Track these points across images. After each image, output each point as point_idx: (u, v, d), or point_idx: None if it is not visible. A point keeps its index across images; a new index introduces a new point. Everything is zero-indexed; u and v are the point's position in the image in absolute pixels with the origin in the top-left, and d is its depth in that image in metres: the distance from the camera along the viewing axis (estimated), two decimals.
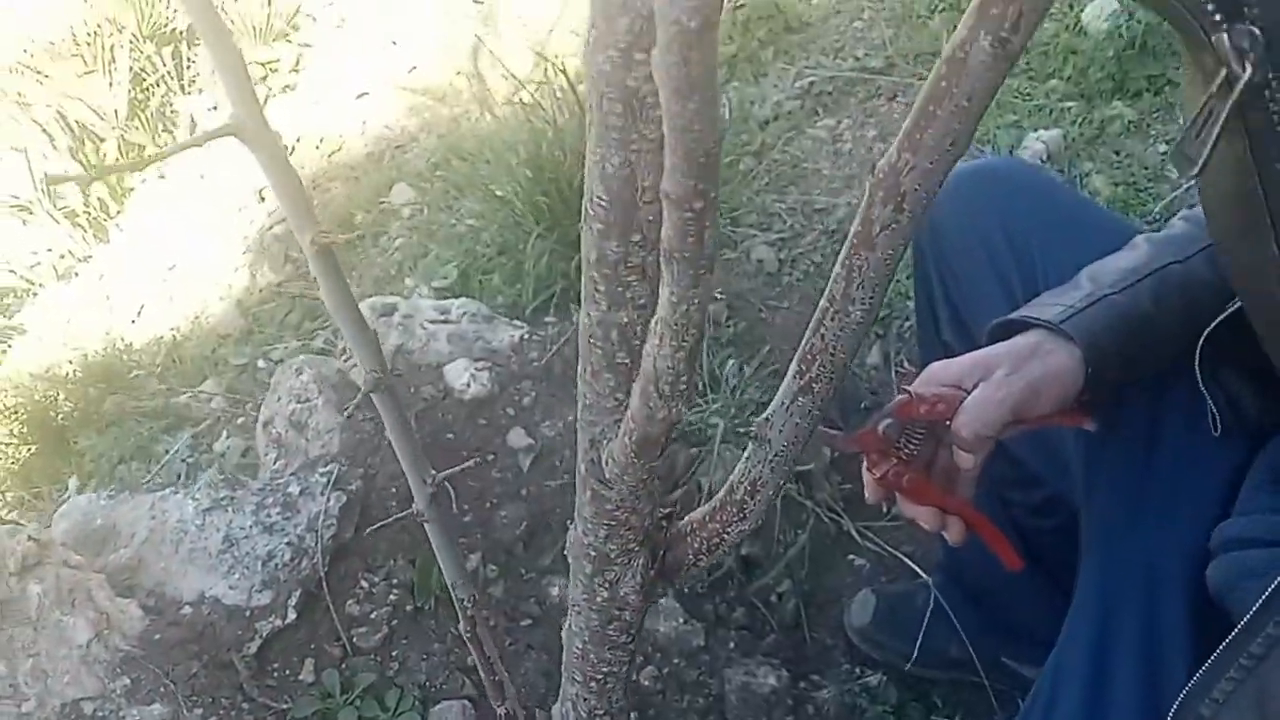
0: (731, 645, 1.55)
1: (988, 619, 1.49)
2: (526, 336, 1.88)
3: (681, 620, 1.53)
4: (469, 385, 1.73)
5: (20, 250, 3.68)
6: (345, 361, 1.81)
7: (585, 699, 0.68)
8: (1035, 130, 2.18)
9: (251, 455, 2.09)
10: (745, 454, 0.53)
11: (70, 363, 2.81)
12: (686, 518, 0.59)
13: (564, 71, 2.31)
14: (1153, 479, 1.01)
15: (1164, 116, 2.16)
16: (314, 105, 3.49)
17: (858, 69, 2.54)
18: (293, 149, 3.35)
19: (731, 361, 1.78)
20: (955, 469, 0.98)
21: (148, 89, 3.69)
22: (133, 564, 1.34)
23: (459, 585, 0.75)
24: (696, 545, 0.58)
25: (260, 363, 2.58)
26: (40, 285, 3.57)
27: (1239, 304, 0.88)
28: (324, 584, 1.37)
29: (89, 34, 3.66)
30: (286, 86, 3.62)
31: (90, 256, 3.55)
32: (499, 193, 2.34)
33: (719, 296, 2.02)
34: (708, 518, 0.57)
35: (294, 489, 1.42)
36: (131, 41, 3.60)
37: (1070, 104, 2.24)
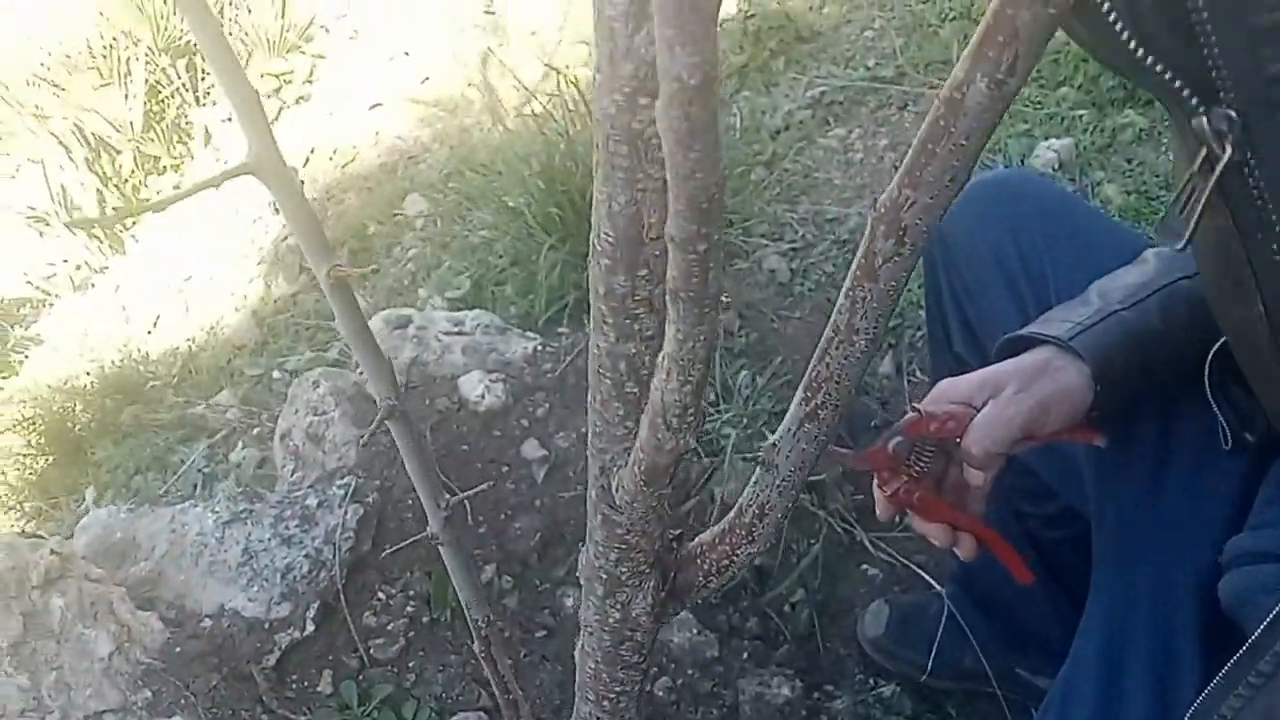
0: (745, 656, 1.55)
1: (1001, 630, 1.50)
2: (540, 348, 1.89)
3: (695, 631, 1.53)
4: (483, 397, 1.74)
5: (37, 261, 3.72)
6: (360, 374, 1.83)
7: (599, 718, 0.69)
8: (1047, 139, 2.18)
9: (268, 466, 2.11)
10: (753, 479, 0.54)
11: (88, 374, 2.84)
12: (696, 539, 0.60)
13: (575, 83, 2.32)
14: (1164, 493, 1.02)
15: None
16: (328, 116, 3.52)
17: (868, 78, 2.54)
18: (307, 160, 3.38)
19: (744, 373, 1.79)
20: (966, 485, 0.98)
21: (163, 101, 3.73)
22: (153, 577, 1.36)
23: (474, 606, 0.76)
24: (706, 567, 0.59)
25: (275, 373, 2.60)
26: (56, 296, 3.61)
27: None
28: (341, 596, 1.39)
29: (105, 47, 3.70)
30: (300, 98, 3.65)
31: (106, 267, 3.59)
32: (511, 204, 2.36)
33: (726, 301, 2.03)
34: (717, 540, 0.58)
35: (312, 502, 1.43)
36: (147, 54, 3.64)
37: (1082, 112, 2.24)
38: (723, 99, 2.68)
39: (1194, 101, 0.60)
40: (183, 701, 1.21)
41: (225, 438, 2.45)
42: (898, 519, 1.01)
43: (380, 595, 1.43)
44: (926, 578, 1.58)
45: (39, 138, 3.57)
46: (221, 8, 3.77)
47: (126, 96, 3.58)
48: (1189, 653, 0.94)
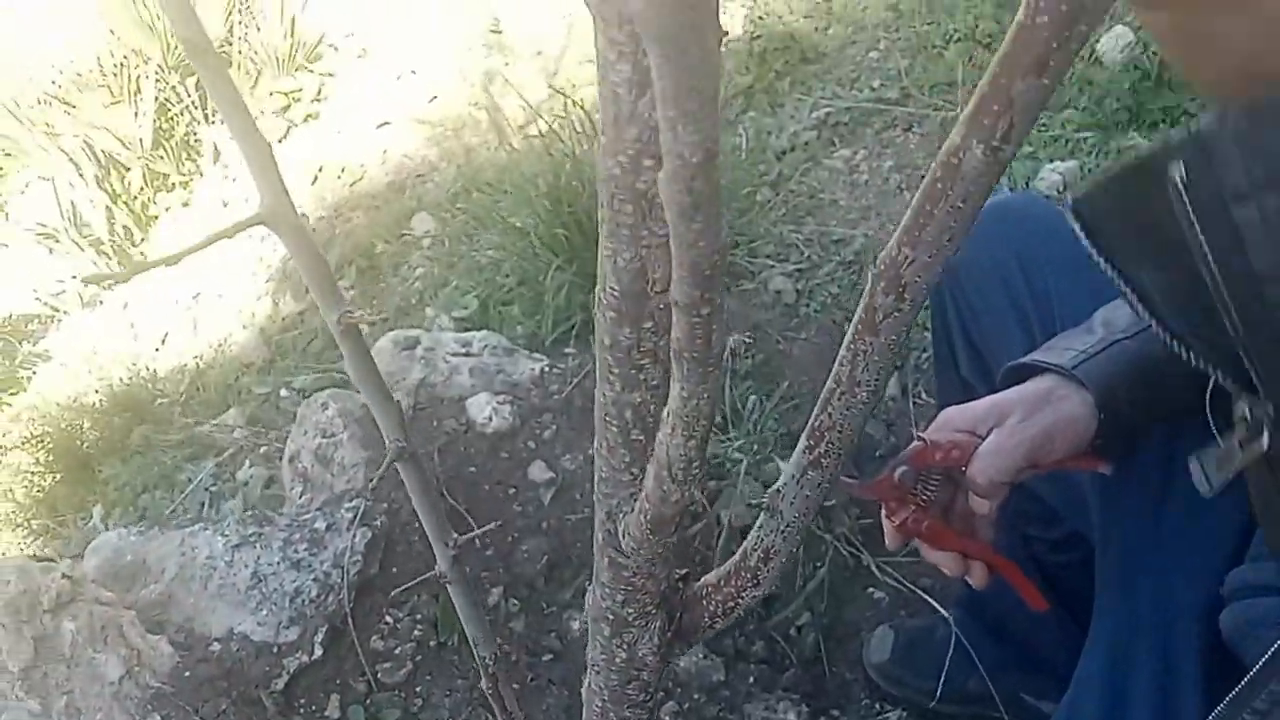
0: (751, 680, 1.56)
1: (1007, 654, 1.50)
2: (547, 369, 1.90)
3: (701, 655, 1.54)
4: (491, 419, 1.75)
5: (46, 278, 3.75)
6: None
7: None
8: (1051, 161, 2.19)
9: (275, 486, 2.13)
10: (758, 523, 0.55)
11: (96, 392, 2.86)
12: (701, 581, 0.61)
13: (581, 105, 2.34)
14: (1167, 523, 1.02)
15: None
16: (336, 135, 3.54)
17: (873, 100, 2.56)
18: (315, 178, 3.40)
19: (752, 397, 1.80)
20: (974, 513, 0.99)
21: (172, 118, 3.76)
22: (163, 600, 1.37)
23: (481, 644, 0.77)
24: (712, 608, 0.60)
25: (283, 392, 2.61)
26: (65, 312, 3.63)
27: None
28: (349, 619, 1.40)
29: (115, 65, 3.73)
30: (309, 116, 3.68)
31: (115, 284, 3.61)
32: (518, 224, 2.37)
33: (729, 319, 2.04)
34: (723, 581, 0.58)
35: (320, 525, 1.44)
36: (157, 72, 3.67)
37: (1086, 135, 2.25)
38: (728, 120, 2.69)
39: (1234, 386, 0.63)
40: None
41: (232, 456, 2.47)
42: (907, 547, 1.02)
43: (388, 619, 1.44)
44: (932, 602, 1.58)
45: (49, 155, 3.60)
46: (231, 26, 3.81)
47: (136, 114, 3.61)
48: (1192, 681, 0.95)
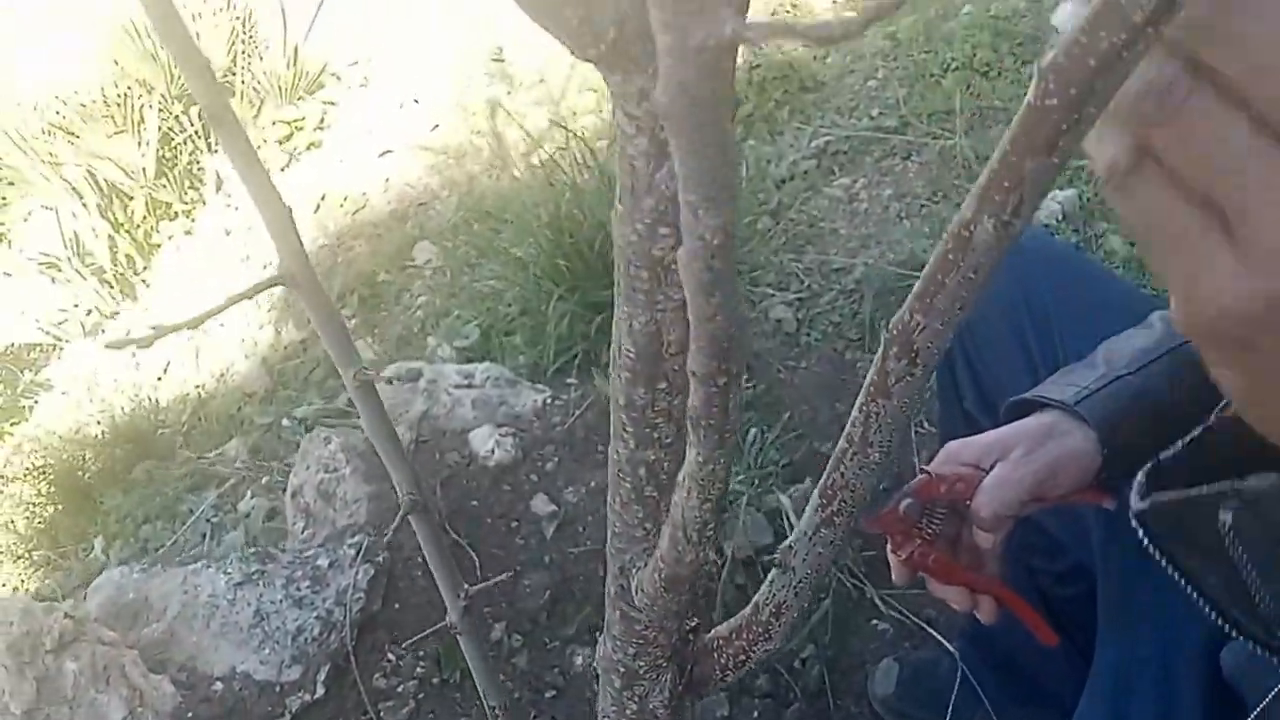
0: (756, 714, 1.55)
1: (1012, 686, 1.49)
2: (549, 401, 1.90)
3: None
4: (493, 452, 1.75)
5: (49, 307, 3.76)
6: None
7: None
8: (1051, 190, 2.20)
9: (277, 518, 2.12)
10: (769, 578, 0.55)
11: (98, 423, 2.86)
12: (713, 632, 0.61)
13: (582, 138, 2.35)
14: None
15: None
16: (338, 163, 3.56)
17: (872, 128, 2.57)
18: (318, 206, 3.42)
19: (753, 429, 1.80)
20: (979, 547, 0.99)
21: (175, 148, 3.78)
22: (165, 638, 1.37)
23: (490, 694, 0.77)
24: (723, 661, 0.60)
25: (285, 421, 2.61)
26: (66, 341, 3.64)
27: None
28: (352, 658, 1.39)
29: (119, 95, 3.76)
30: (312, 144, 3.70)
31: (117, 313, 3.62)
32: (519, 254, 2.39)
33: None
34: (734, 635, 0.58)
35: (323, 562, 1.44)
36: (160, 102, 3.69)
37: (1085, 163, 2.26)
38: None
39: (1274, 661, 0.66)
40: None
41: (234, 487, 2.46)
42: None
43: (390, 656, 1.43)
44: (936, 636, 1.57)
45: (52, 185, 3.61)
46: (234, 56, 3.84)
47: (140, 144, 3.63)
48: (1194, 713, 0.94)
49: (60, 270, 3.70)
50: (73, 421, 3.02)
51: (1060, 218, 2.14)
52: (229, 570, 1.41)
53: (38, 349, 3.75)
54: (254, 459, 2.56)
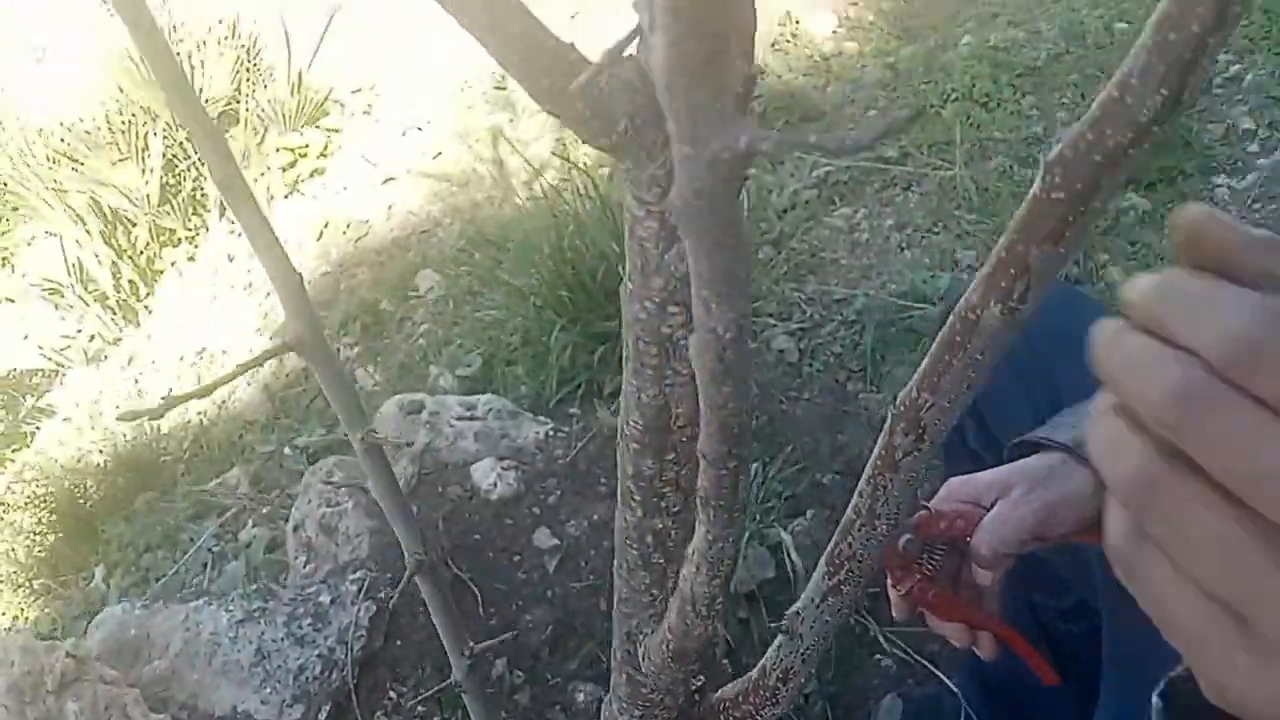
0: None
1: None
2: (551, 433, 1.90)
3: None
4: (495, 485, 1.75)
5: (51, 333, 3.76)
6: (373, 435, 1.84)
7: None
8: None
9: (279, 549, 2.12)
10: (776, 643, 0.55)
11: (100, 451, 2.86)
12: (719, 694, 0.61)
13: (584, 167, 2.37)
14: None
15: (1178, 208, 2.19)
16: (342, 190, 3.57)
17: (873, 159, 2.59)
18: (321, 234, 3.43)
19: (755, 463, 1.80)
20: (981, 588, 0.98)
21: (179, 175, 3.80)
22: (166, 676, 1.36)
23: None
24: None
25: (286, 450, 2.61)
26: (69, 366, 3.64)
27: None
28: (354, 696, 1.39)
29: (124, 123, 3.78)
30: (315, 171, 3.72)
31: (120, 339, 3.62)
32: (521, 284, 2.39)
33: None
34: (741, 698, 0.58)
35: (325, 599, 1.44)
36: (164, 129, 3.71)
37: None
38: None
39: None
40: None
41: (235, 516, 2.46)
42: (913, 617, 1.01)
43: (392, 694, 1.43)
44: (938, 674, 1.57)
45: (56, 211, 3.63)
46: (239, 84, 3.86)
47: (144, 171, 3.65)
48: None
49: (63, 296, 3.71)
50: (75, 449, 3.01)
51: None
52: (230, 607, 1.40)
53: (40, 374, 3.75)
54: (255, 488, 2.56)
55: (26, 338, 3.83)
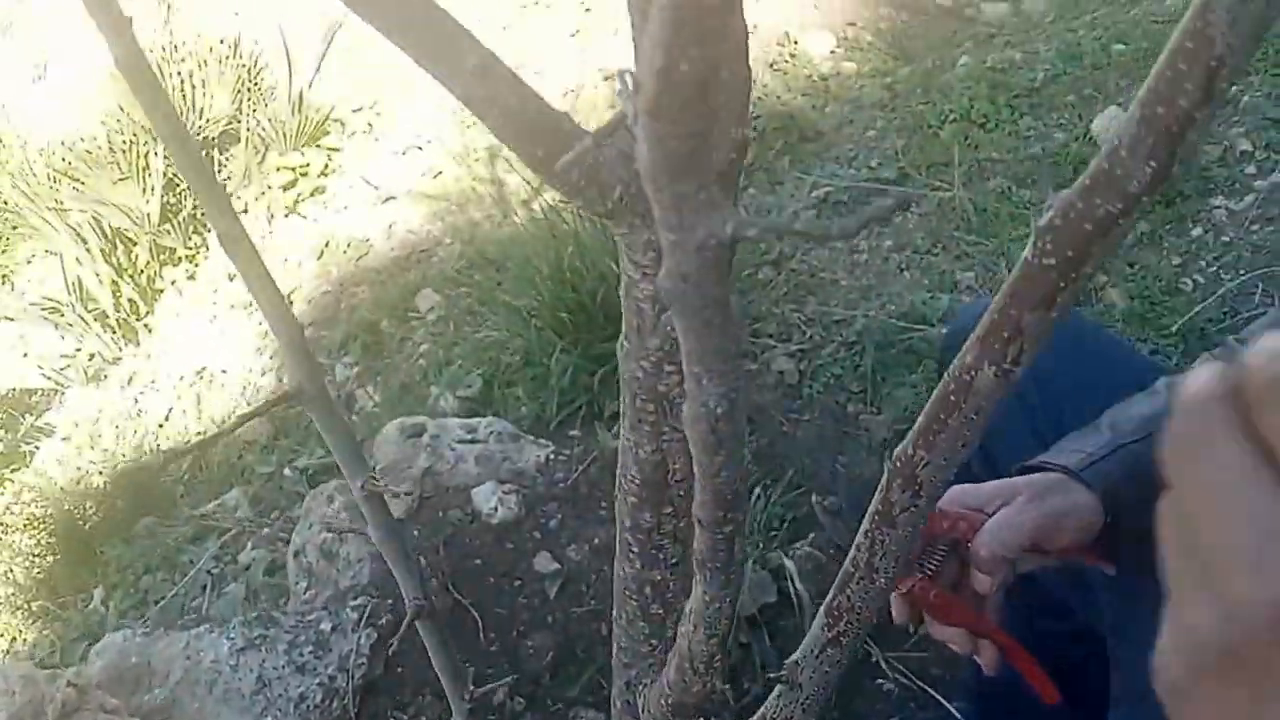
0: None
1: None
2: (552, 456, 1.90)
3: None
4: (496, 509, 1.75)
5: (50, 351, 3.77)
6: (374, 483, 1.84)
7: None
8: None
9: (279, 573, 2.12)
10: (775, 692, 0.56)
11: (100, 472, 2.86)
12: None
13: None
14: None
15: (1176, 229, 2.20)
16: (342, 209, 3.59)
17: (871, 179, 2.60)
18: (321, 253, 3.44)
19: (756, 490, 1.80)
20: (984, 596, 0.98)
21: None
22: (167, 705, 1.36)
23: None
24: None
25: (286, 471, 2.61)
26: (68, 385, 3.64)
27: None
28: None
29: (125, 142, 3.79)
30: (316, 190, 3.73)
31: (119, 358, 3.62)
32: (521, 305, 2.40)
33: None
34: None
35: (326, 626, 1.44)
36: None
37: None
38: None
39: None
40: None
41: (235, 537, 2.46)
42: (914, 625, 1.00)
43: None
44: (939, 699, 1.57)
45: (58, 231, 3.64)
46: (239, 104, 3.88)
47: (144, 190, 3.66)
48: None
49: (63, 315, 3.72)
50: (74, 470, 3.01)
51: None
52: (232, 634, 1.40)
53: (39, 393, 3.76)
54: (255, 509, 2.55)
55: (25, 356, 3.84)
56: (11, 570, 2.71)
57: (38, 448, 3.46)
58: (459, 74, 0.34)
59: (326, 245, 3.42)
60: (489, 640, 1.61)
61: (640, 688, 0.54)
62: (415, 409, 2.58)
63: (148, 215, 3.68)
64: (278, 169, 3.70)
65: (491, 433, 1.98)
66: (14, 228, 4.01)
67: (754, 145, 2.89)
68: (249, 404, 3.02)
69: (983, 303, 1.34)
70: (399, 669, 1.49)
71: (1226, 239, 2.16)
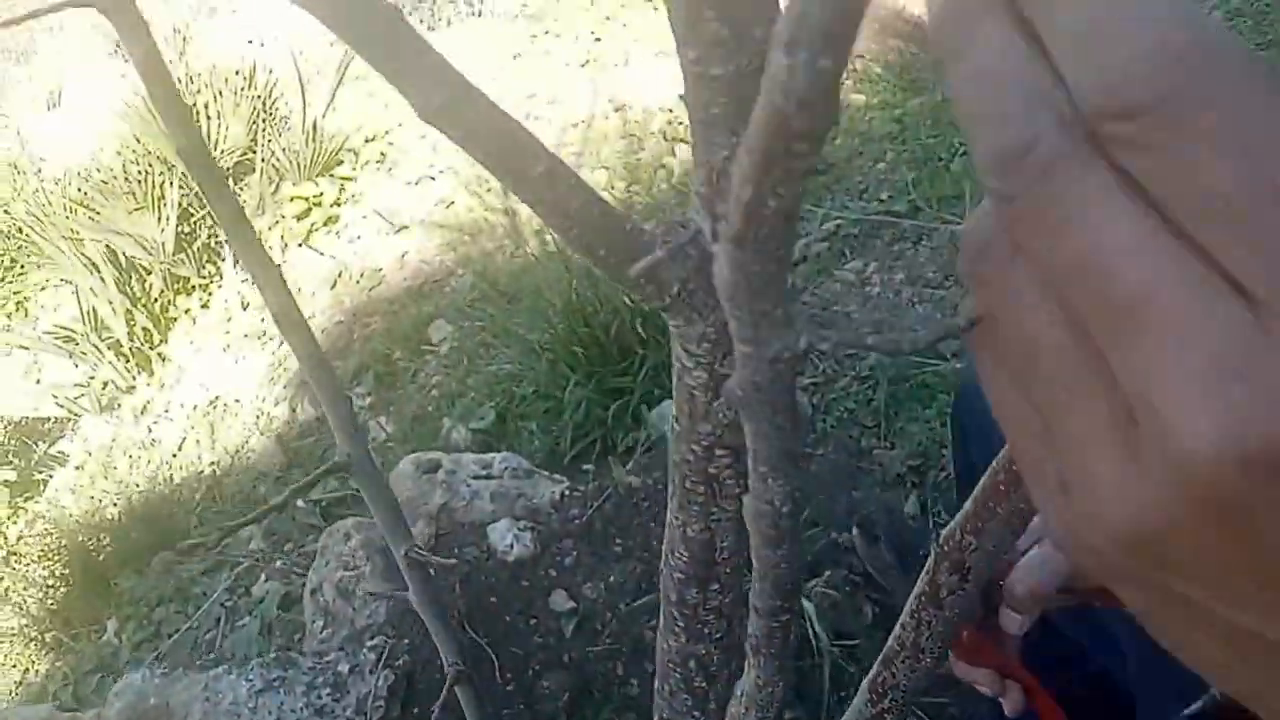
0: None
1: None
2: (567, 493, 1.91)
3: None
4: (512, 547, 1.75)
5: (64, 379, 3.78)
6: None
7: None
8: None
9: (294, 608, 2.12)
10: None
11: (115, 504, 2.86)
12: None
13: None
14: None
15: None
16: (355, 239, 3.61)
17: (882, 212, 2.61)
18: (334, 282, 3.45)
19: None
20: (1007, 636, 0.98)
21: (195, 224, 3.83)
22: None
23: None
24: None
25: (300, 503, 2.61)
26: (81, 413, 3.66)
27: None
28: None
29: (140, 173, 3.82)
30: (329, 219, 3.75)
31: (133, 387, 3.64)
32: (533, 339, 2.41)
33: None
34: None
35: (343, 667, 1.44)
36: (181, 179, 3.75)
37: None
38: None
39: None
40: None
41: (248, 570, 2.46)
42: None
43: None
44: None
45: (72, 260, 3.66)
46: (254, 134, 3.91)
47: (159, 219, 3.68)
48: None
49: (77, 343, 3.74)
50: (87, 499, 3.02)
51: None
52: (250, 676, 1.40)
53: (52, 422, 3.77)
54: (268, 541, 2.56)
55: (39, 383, 3.86)
56: (25, 601, 2.71)
57: (51, 476, 3.47)
58: (527, 179, 0.35)
59: (339, 275, 3.44)
60: (504, 680, 1.61)
61: None
62: (428, 440, 2.59)
63: (162, 245, 3.70)
64: (291, 199, 3.73)
65: (506, 468, 1.98)
66: (28, 255, 4.04)
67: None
68: (261, 433, 3.03)
69: None
70: (415, 710, 1.49)
71: None
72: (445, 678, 1.53)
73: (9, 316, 4.22)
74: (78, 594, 2.69)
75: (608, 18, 4.22)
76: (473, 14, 4.77)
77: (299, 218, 3.70)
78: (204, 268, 3.80)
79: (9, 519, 3.22)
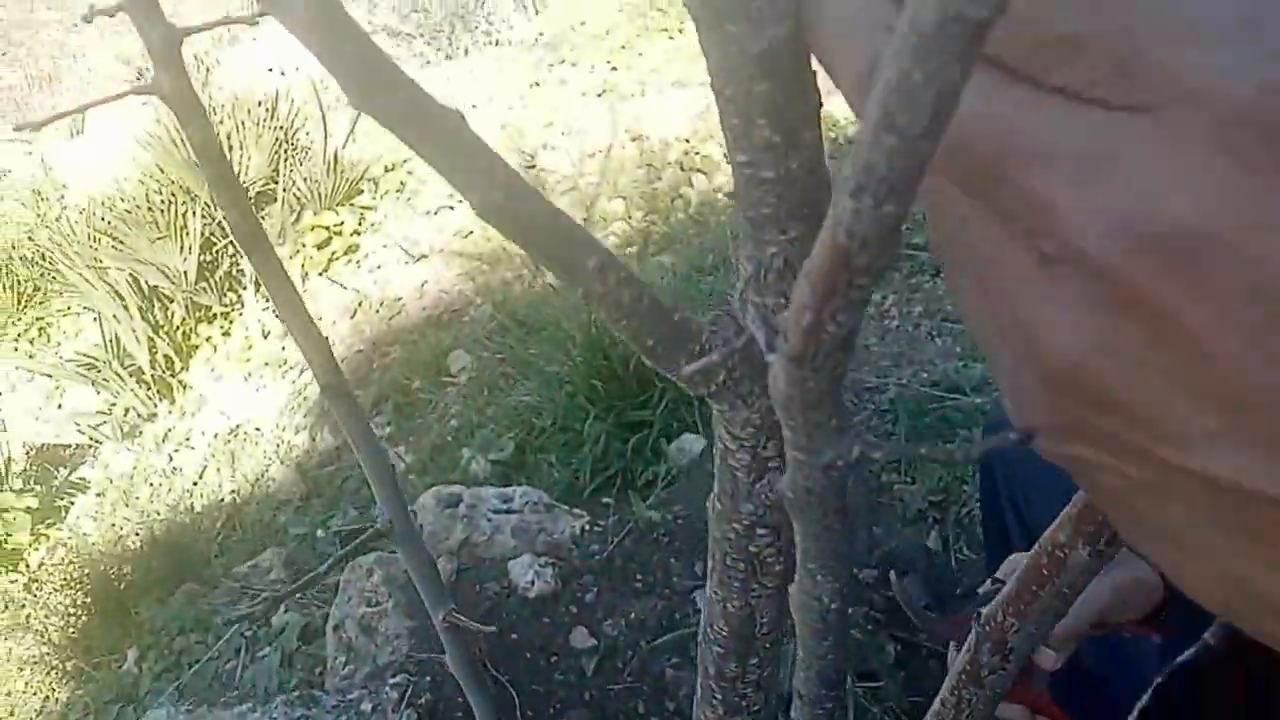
0: None
1: None
2: (587, 527, 1.91)
3: None
4: (533, 583, 1.76)
5: (86, 407, 3.81)
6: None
7: None
8: None
9: (314, 640, 2.12)
10: None
11: (136, 534, 2.88)
12: None
13: (614, 250, 2.40)
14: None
15: None
16: (375, 268, 3.64)
17: (902, 245, 2.61)
18: (354, 312, 3.48)
19: None
20: (1040, 672, 0.98)
21: (217, 253, 3.87)
22: None
23: None
24: None
25: (320, 533, 2.63)
26: (103, 439, 3.69)
27: None
28: None
29: (163, 202, 3.87)
30: (349, 249, 3.79)
31: (154, 414, 3.67)
32: (552, 371, 2.42)
33: None
34: None
35: (366, 706, 1.44)
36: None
37: None
38: None
39: None
40: None
41: (269, 600, 2.47)
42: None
43: None
44: None
45: (96, 289, 3.70)
46: (276, 165, 3.95)
47: (182, 249, 3.72)
48: None
49: (99, 371, 3.77)
50: (108, 527, 3.04)
51: None
52: (275, 715, 1.41)
53: (73, 448, 3.80)
54: (289, 570, 2.57)
55: (60, 408, 3.89)
56: (46, 628, 2.73)
57: (72, 503, 3.49)
58: (580, 273, 0.35)
59: (359, 304, 3.47)
60: (525, 718, 1.61)
61: None
62: (447, 471, 2.60)
63: (184, 273, 3.74)
64: (312, 228, 3.76)
65: (527, 503, 1.99)
66: (51, 282, 4.09)
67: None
68: (282, 462, 3.04)
69: None
70: None
71: None
72: (464, 715, 1.53)
73: (31, 342, 4.27)
74: (98, 622, 2.70)
75: (624, 47, 4.25)
76: (490, 43, 4.82)
77: (319, 246, 3.74)
78: (225, 296, 3.83)
79: (31, 545, 3.25)
